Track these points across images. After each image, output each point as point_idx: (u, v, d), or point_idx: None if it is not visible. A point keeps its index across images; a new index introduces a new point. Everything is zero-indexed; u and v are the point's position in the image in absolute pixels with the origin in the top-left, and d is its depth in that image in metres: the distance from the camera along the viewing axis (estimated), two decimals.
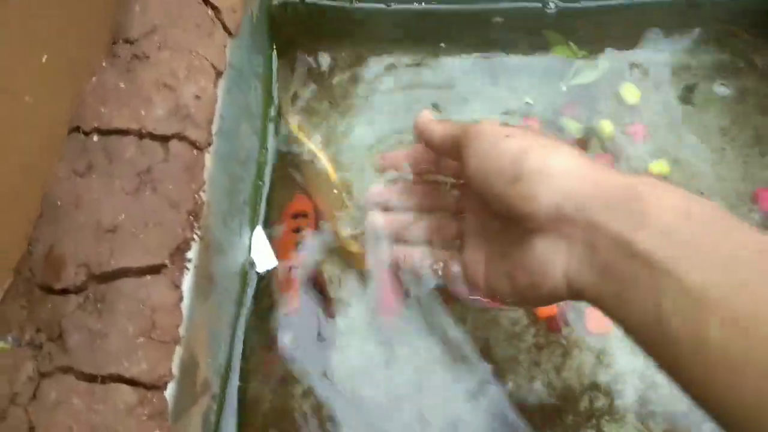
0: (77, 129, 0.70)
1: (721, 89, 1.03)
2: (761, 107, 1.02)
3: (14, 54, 0.67)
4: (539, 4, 1.02)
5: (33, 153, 0.69)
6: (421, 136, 0.66)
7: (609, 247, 0.44)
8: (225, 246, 0.76)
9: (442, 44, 1.04)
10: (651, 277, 0.41)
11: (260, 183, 0.92)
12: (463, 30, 1.04)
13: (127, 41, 0.76)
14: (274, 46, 1.03)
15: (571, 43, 1.04)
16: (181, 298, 0.63)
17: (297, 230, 0.87)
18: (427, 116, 0.67)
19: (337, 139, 0.97)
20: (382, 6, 1.02)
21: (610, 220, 0.45)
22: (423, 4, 1.02)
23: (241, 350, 0.80)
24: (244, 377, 0.79)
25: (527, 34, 1.04)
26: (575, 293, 0.48)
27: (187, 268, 0.65)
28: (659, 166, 0.96)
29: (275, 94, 1.01)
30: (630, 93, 1.01)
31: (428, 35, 1.05)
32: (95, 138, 0.68)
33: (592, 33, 1.04)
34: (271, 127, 0.98)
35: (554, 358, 0.80)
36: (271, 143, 0.96)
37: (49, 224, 0.65)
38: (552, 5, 1.02)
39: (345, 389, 0.78)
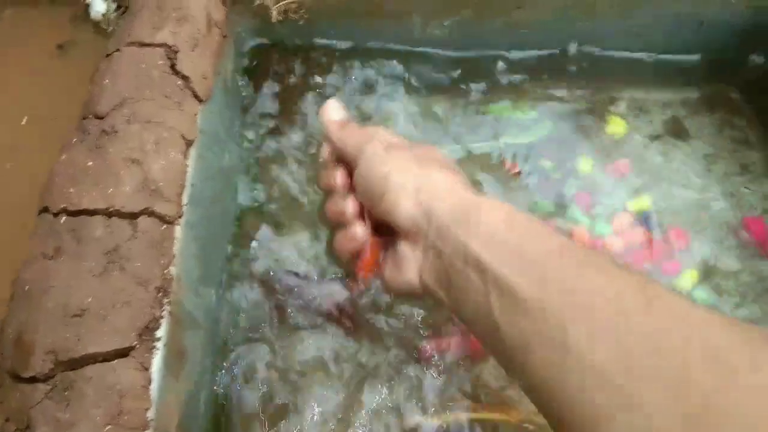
0: (46, 209, 0.70)
1: (703, 122, 1.03)
2: (740, 139, 1.01)
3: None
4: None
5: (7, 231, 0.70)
6: (324, 132, 0.69)
7: (451, 252, 0.52)
8: (198, 317, 0.75)
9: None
10: (480, 278, 0.49)
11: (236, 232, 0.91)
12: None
13: (97, 116, 0.77)
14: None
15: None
16: (149, 381, 0.62)
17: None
18: (330, 111, 0.70)
19: None
20: None
21: (453, 229, 0.53)
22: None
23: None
24: None
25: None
26: (427, 291, 0.57)
27: (156, 348, 0.64)
28: (640, 202, 0.95)
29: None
30: (615, 127, 1.01)
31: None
32: (63, 219, 0.68)
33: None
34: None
35: None
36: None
37: (18, 309, 0.65)
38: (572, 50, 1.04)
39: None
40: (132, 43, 0.82)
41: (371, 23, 1.01)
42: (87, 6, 1.18)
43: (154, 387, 0.62)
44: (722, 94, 1.06)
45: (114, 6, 1.16)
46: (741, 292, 0.87)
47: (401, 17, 0.99)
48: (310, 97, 1.03)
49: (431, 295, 0.57)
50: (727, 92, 1.06)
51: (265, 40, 1.03)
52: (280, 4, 0.95)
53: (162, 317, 0.66)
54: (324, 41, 1.04)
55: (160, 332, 0.65)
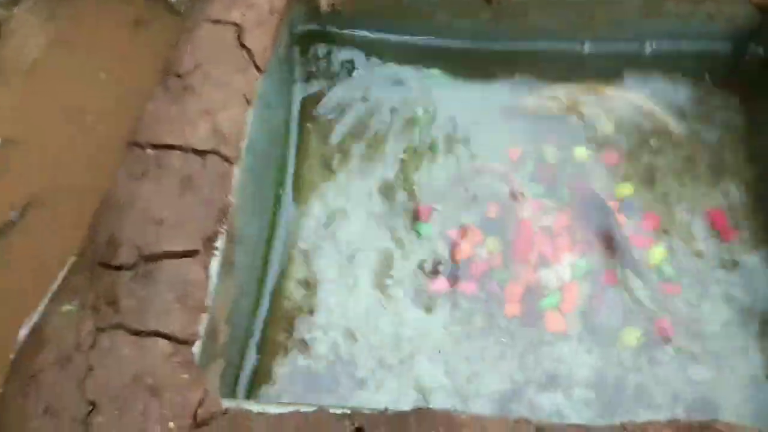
0: (135, 143, 0.89)
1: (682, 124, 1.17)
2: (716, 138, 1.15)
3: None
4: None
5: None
6: None
7: None
8: (247, 240, 0.93)
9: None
10: None
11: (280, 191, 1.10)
12: None
13: (177, 75, 0.96)
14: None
15: None
16: (208, 277, 0.80)
17: None
18: None
19: None
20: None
21: None
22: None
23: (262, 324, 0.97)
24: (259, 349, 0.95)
25: None
26: None
27: (215, 254, 0.82)
28: (625, 188, 1.11)
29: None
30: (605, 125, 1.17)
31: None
32: (149, 151, 0.87)
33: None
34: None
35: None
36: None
37: (109, 216, 0.84)
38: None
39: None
40: (208, 20, 1.01)
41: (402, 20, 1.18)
42: None
43: (211, 283, 0.80)
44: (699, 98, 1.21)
45: None
46: (700, 271, 1.02)
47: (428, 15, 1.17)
48: (343, 76, 1.21)
49: None
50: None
51: (314, 26, 1.21)
52: None
53: (220, 232, 0.84)
54: (362, 32, 1.22)
55: (218, 244, 0.83)
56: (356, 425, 0.68)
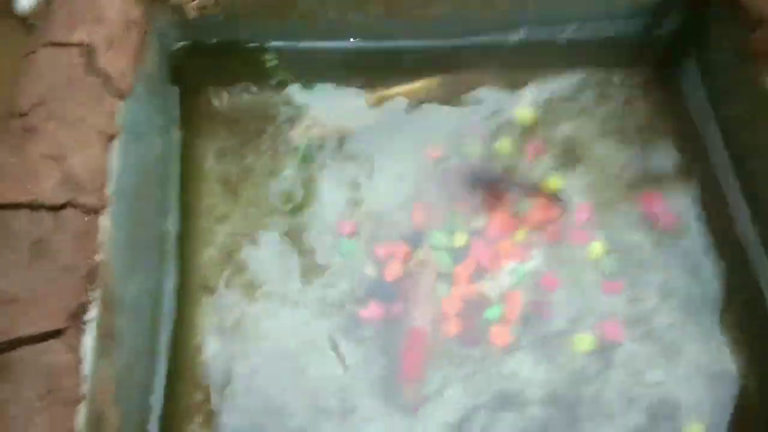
0: None
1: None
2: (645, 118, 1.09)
3: None
4: None
5: None
6: None
7: None
8: (130, 301, 0.79)
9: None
10: None
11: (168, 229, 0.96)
12: None
13: (19, 114, 0.80)
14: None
15: None
16: (80, 360, 0.66)
17: None
18: None
19: None
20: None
21: None
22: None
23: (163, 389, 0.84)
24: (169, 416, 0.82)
25: None
26: None
27: (85, 330, 0.68)
28: (555, 180, 1.02)
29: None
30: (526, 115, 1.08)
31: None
32: None
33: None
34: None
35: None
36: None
37: None
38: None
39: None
40: (48, 44, 0.85)
41: (285, 21, 1.05)
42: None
43: (87, 364, 0.67)
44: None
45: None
46: (643, 260, 0.95)
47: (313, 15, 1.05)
48: (233, 91, 1.08)
49: None
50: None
51: (188, 38, 1.06)
52: (195, 1, 1.00)
53: (89, 302, 0.70)
54: (245, 38, 1.08)
55: (90, 315, 0.69)
56: None
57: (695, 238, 0.95)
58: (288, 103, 1.08)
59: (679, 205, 0.98)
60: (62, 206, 0.73)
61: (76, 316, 0.68)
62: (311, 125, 1.06)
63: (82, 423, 0.64)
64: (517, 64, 1.11)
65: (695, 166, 1.02)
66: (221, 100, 1.09)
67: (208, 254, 0.94)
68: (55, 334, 0.66)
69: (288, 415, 0.83)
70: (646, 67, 1.11)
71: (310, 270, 0.94)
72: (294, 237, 0.96)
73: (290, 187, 1.01)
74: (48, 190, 0.73)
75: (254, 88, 1.10)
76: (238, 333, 0.89)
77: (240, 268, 0.94)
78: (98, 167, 0.77)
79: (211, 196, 0.99)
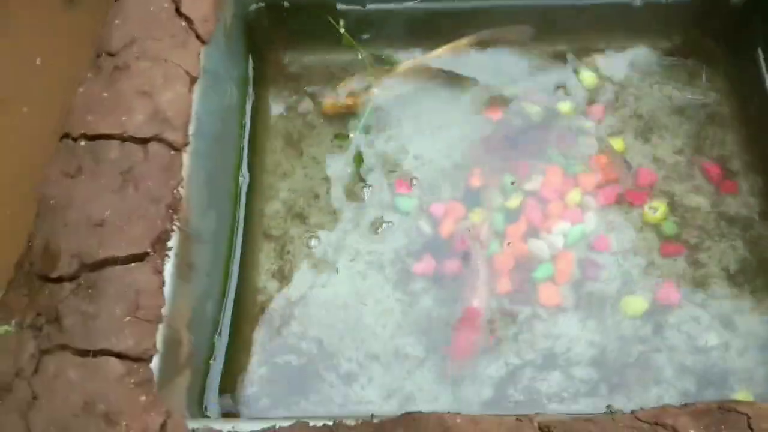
0: (67, 135, 0.78)
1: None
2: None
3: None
4: None
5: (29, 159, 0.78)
6: None
7: None
8: (206, 236, 0.84)
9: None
10: None
11: (240, 176, 1.00)
12: None
13: (109, 54, 0.84)
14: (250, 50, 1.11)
15: None
16: (163, 283, 0.71)
17: None
18: None
19: None
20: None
21: None
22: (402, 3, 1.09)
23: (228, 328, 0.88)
24: (230, 352, 0.87)
25: None
26: None
27: (168, 256, 0.73)
28: (617, 142, 1.03)
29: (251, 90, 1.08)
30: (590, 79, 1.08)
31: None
32: (83, 143, 0.77)
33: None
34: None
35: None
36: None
37: (44, 222, 0.74)
38: None
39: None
40: None
41: None
42: None
43: (167, 289, 0.71)
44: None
45: None
46: (703, 226, 0.95)
47: None
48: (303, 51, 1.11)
49: None
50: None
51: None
52: None
53: (172, 230, 0.74)
54: (316, 1, 1.10)
55: (171, 243, 0.74)
56: None
57: (758, 209, 0.95)
58: (354, 64, 1.11)
59: (745, 177, 0.98)
60: (149, 140, 0.77)
61: (160, 241, 0.72)
62: (374, 86, 1.08)
63: (161, 341, 0.69)
64: (585, 26, 1.10)
65: (763, 137, 1.00)
66: (291, 59, 1.12)
67: (272, 207, 0.98)
68: (141, 257, 0.71)
69: (339, 361, 0.86)
70: (719, 35, 1.10)
71: (367, 225, 0.97)
72: (352, 194, 0.99)
73: (351, 146, 1.04)
74: (137, 124, 0.77)
75: (323, 50, 1.12)
76: (296, 281, 0.93)
77: (300, 221, 0.98)
78: (183, 106, 0.81)
79: (275, 153, 1.03)
